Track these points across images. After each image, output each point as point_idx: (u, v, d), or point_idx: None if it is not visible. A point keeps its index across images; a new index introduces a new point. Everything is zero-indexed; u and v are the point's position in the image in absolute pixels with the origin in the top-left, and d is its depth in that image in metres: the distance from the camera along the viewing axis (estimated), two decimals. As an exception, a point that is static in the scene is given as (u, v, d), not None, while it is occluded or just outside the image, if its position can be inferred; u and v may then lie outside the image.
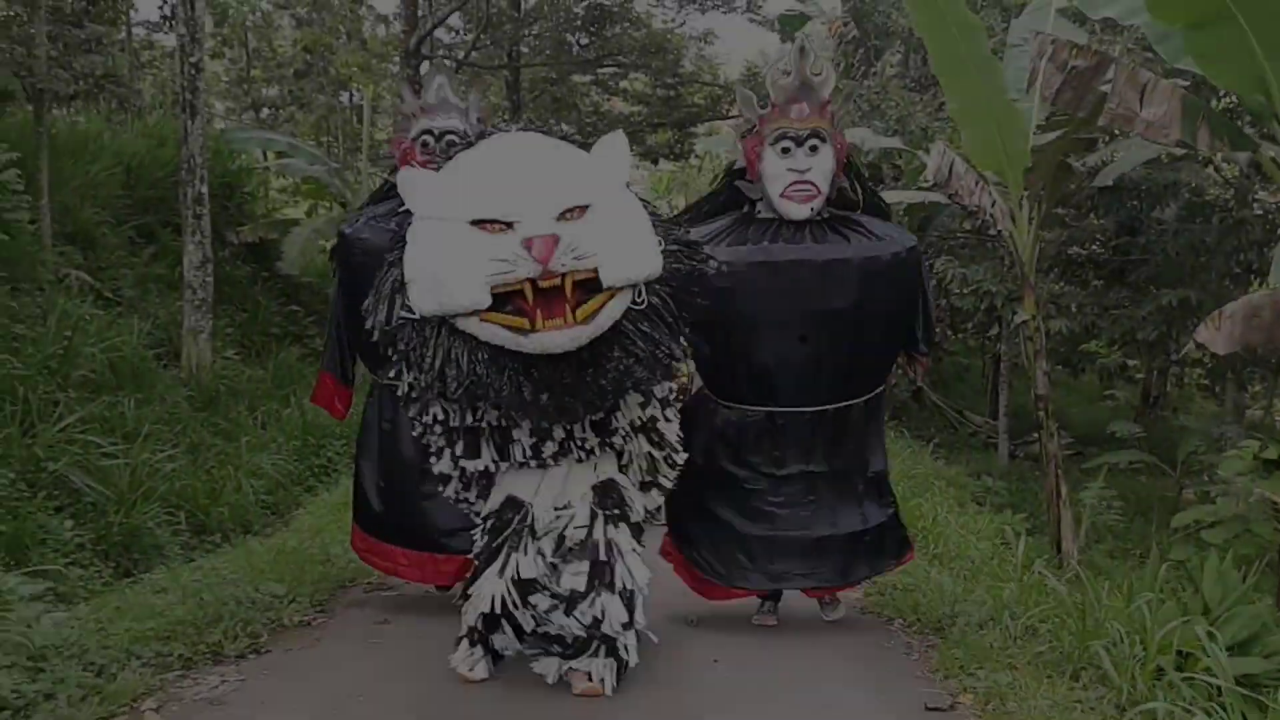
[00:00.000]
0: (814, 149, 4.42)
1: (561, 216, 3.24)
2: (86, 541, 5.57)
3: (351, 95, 20.36)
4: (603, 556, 3.67)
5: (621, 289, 3.31)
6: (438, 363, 3.34)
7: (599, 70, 17.19)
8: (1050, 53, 4.55)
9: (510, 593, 3.65)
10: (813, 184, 4.42)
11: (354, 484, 5.19)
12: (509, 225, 3.20)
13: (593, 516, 3.72)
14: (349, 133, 18.81)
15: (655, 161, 18.85)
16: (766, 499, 4.56)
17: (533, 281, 3.16)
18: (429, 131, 4.84)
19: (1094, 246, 11.16)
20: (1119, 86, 4.44)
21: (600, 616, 3.64)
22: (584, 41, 16.37)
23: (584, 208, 3.29)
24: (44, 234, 8.05)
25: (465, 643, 3.85)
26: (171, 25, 15.50)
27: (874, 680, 3.92)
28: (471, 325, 3.27)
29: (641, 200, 3.73)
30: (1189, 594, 4.06)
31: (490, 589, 3.68)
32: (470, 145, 3.72)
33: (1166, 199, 9.59)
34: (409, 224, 3.54)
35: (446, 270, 3.26)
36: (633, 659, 3.74)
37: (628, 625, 3.70)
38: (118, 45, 12.00)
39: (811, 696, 3.77)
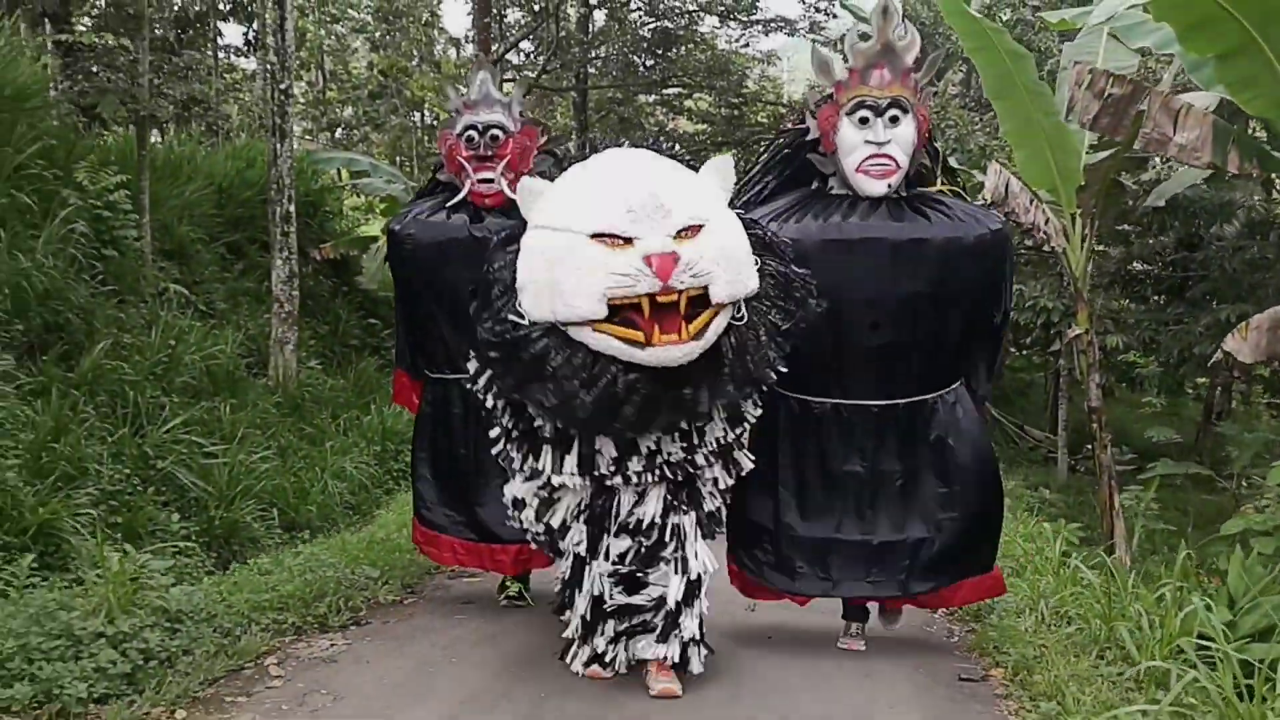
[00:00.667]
0: (894, 120, 4.17)
1: (678, 235, 3.39)
2: (192, 533, 6.15)
3: (423, 116, 21.24)
4: (667, 538, 3.84)
5: (728, 304, 3.50)
6: (545, 368, 3.51)
7: (664, 90, 17.72)
8: (1088, 81, 4.90)
9: (604, 581, 3.86)
10: (891, 158, 4.18)
11: (412, 479, 5.43)
12: (629, 241, 3.36)
13: (665, 507, 3.86)
14: (421, 152, 19.51)
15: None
16: (827, 498, 4.34)
17: (651, 297, 3.34)
18: (474, 126, 4.95)
19: (1154, 264, 11.37)
20: (1153, 112, 4.79)
21: (666, 596, 3.82)
22: (650, 63, 16.93)
23: (699, 227, 3.44)
24: (145, 250, 8.71)
25: (576, 642, 4.04)
26: (254, 50, 16.44)
27: (914, 656, 4.32)
28: (584, 334, 3.44)
29: (740, 217, 3.84)
30: (1212, 585, 4.38)
31: (590, 580, 3.89)
32: (581, 160, 3.92)
33: (1225, 217, 9.79)
34: (517, 230, 3.72)
35: (565, 279, 3.42)
36: (695, 634, 3.88)
37: (689, 605, 3.86)
38: (204, 70, 12.75)
39: (855, 666, 4.19)
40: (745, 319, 3.58)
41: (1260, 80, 4.58)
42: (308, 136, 21.78)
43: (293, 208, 9.77)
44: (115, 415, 6.68)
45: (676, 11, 17.07)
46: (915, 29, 4.28)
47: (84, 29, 9.90)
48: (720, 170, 3.77)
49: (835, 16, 16.86)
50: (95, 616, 3.64)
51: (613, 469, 3.80)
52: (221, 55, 17.04)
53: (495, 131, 4.91)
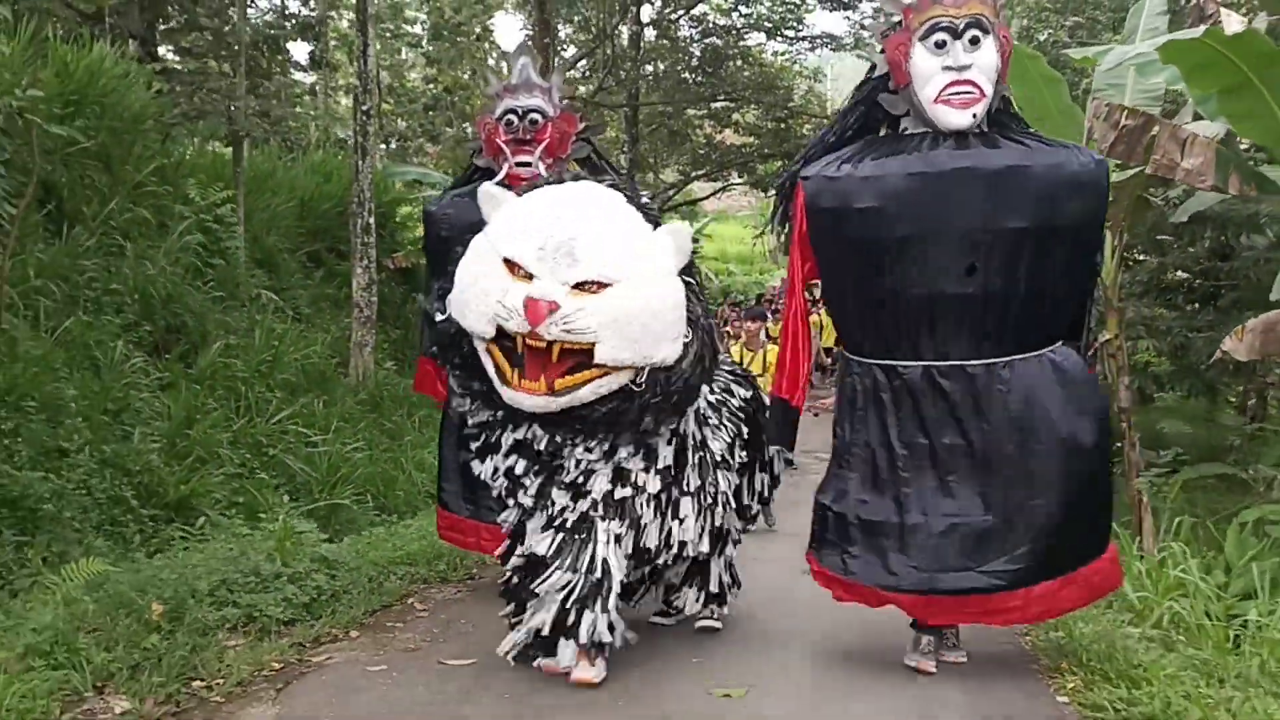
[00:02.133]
0: (974, 41, 3.75)
1: (579, 286, 3.40)
2: (300, 514, 7.06)
3: (470, 127, 22.06)
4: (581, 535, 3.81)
5: (615, 369, 3.47)
6: (458, 365, 3.74)
7: (712, 104, 18.58)
8: (1105, 114, 5.67)
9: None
10: (974, 84, 3.77)
11: (438, 468, 5.52)
12: (529, 276, 3.43)
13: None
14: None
15: (765, 190, 20.16)
16: (930, 478, 3.88)
17: (523, 338, 3.41)
18: (513, 111, 4.94)
19: (1190, 272, 11.97)
20: (1162, 141, 5.54)
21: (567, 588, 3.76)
22: (699, 79, 17.80)
23: (605, 284, 3.43)
24: (240, 259, 9.68)
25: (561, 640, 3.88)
26: (320, 67, 17.52)
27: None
28: (480, 347, 3.59)
29: (694, 286, 3.80)
30: (1211, 555, 5.14)
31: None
32: (554, 183, 3.94)
33: (1254, 228, 10.42)
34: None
35: (469, 291, 3.55)
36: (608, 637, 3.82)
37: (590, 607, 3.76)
38: (286, 90, 13.77)
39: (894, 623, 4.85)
40: (644, 389, 3.53)
41: (1256, 113, 5.30)
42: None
43: (372, 220, 10.68)
44: (231, 407, 7.61)
45: (724, 29, 17.95)
46: None
47: (173, 55, 10.91)
48: (677, 238, 3.74)
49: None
50: (272, 561, 4.53)
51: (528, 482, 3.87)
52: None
53: (535, 116, 4.91)
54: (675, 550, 4.05)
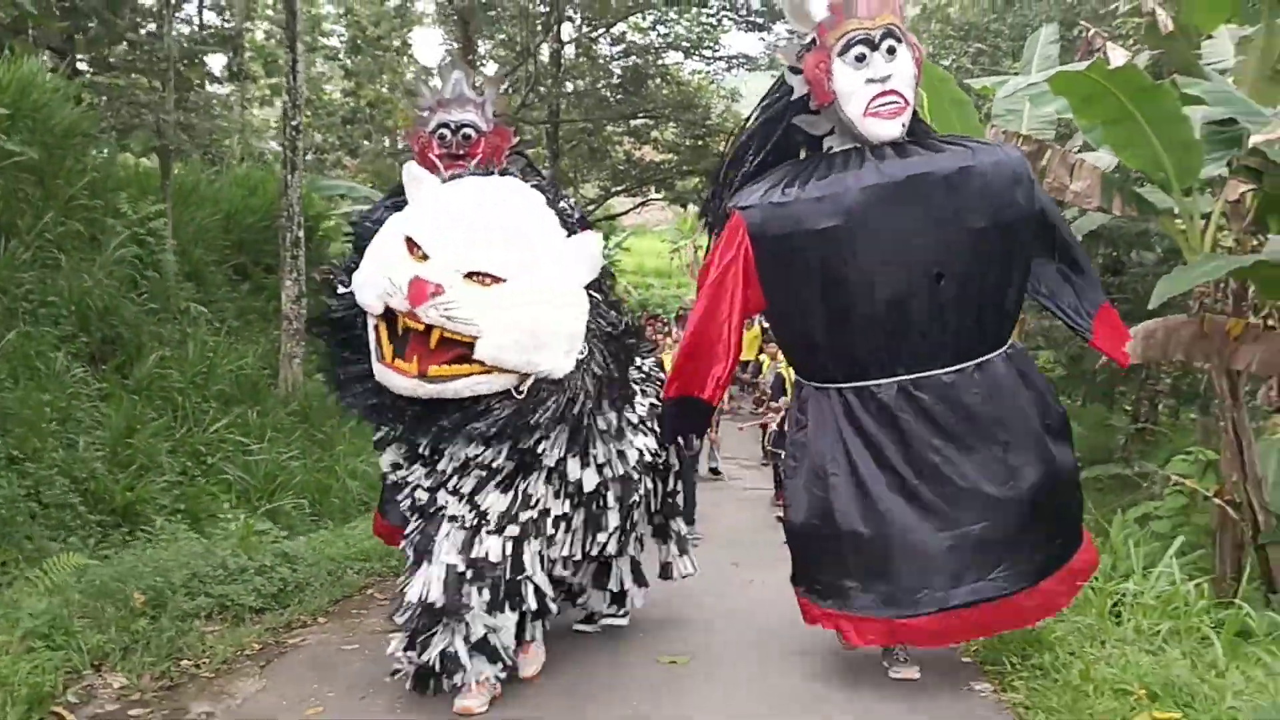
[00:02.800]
0: (891, 51, 3.77)
1: (471, 276, 3.32)
2: (241, 518, 7.31)
3: (396, 142, 22.37)
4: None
5: (496, 369, 3.39)
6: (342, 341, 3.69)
7: (632, 121, 19.10)
8: (1002, 140, 6.26)
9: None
10: (898, 94, 3.79)
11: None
12: (425, 257, 3.35)
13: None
14: (394, 176, 20.64)
15: (685, 205, 20.74)
16: (920, 493, 3.79)
17: (403, 317, 3.33)
18: (446, 125, 4.97)
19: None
20: (1053, 166, 6.14)
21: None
22: (619, 98, 18.31)
23: (498, 279, 3.35)
24: (171, 272, 9.84)
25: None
26: (236, 79, 17.57)
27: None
28: (370, 323, 3.51)
29: (601, 301, 3.76)
30: (1100, 542, 5.73)
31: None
32: (484, 175, 3.93)
33: (1144, 245, 11.28)
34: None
35: (369, 264, 3.51)
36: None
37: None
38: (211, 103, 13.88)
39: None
40: (525, 396, 3.46)
41: (1135, 142, 5.91)
42: (278, 160, 22.79)
43: (302, 233, 10.91)
44: (169, 417, 7.82)
45: (643, 48, 18.50)
46: None
47: (89, 67, 11.01)
48: (587, 247, 3.67)
49: (794, 53, 18.31)
50: (237, 556, 4.84)
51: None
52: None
53: (468, 130, 4.95)
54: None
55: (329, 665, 4.09)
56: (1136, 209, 6.18)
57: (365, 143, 21.10)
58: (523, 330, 3.37)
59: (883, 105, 3.78)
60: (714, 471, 10.72)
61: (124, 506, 6.43)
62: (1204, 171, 6.08)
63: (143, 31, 10.99)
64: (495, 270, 3.34)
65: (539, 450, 3.64)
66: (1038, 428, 3.91)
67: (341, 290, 3.73)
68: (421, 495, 3.78)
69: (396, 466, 4.03)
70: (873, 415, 3.85)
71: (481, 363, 3.33)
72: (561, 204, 3.91)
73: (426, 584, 3.61)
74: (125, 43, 10.36)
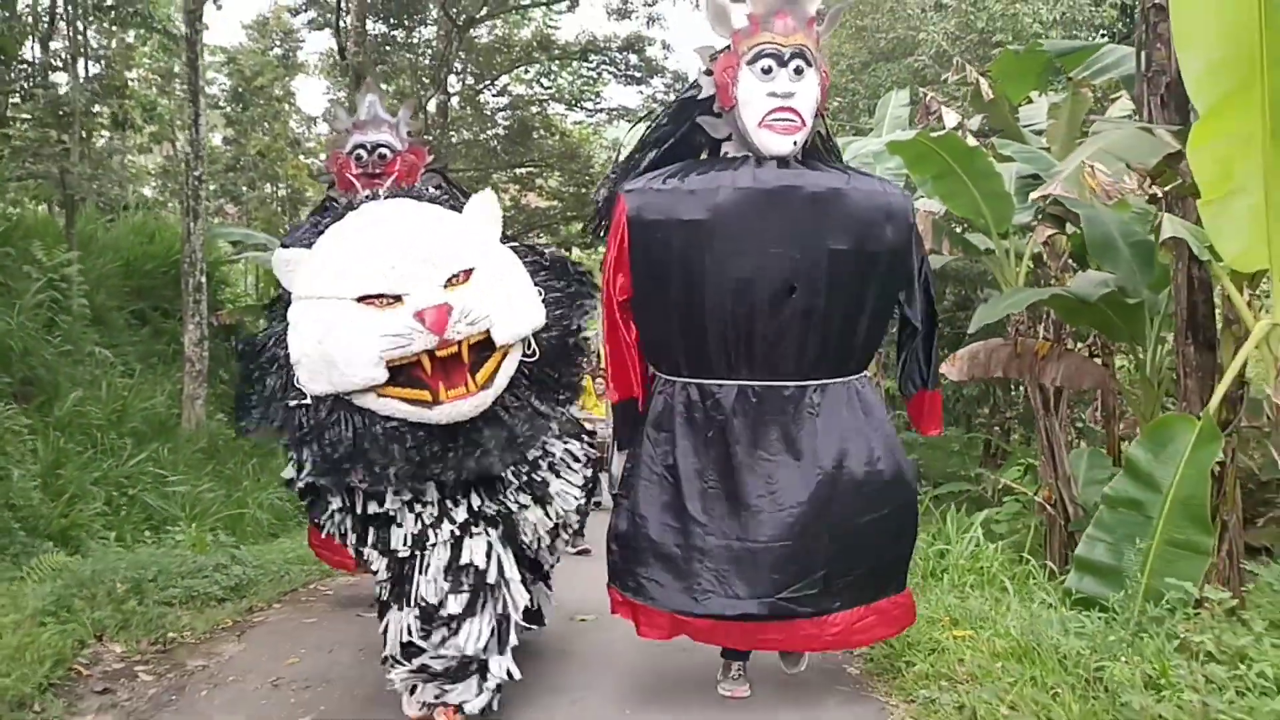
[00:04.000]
0: (799, 71, 3.83)
1: (449, 284, 3.29)
2: (192, 528, 7.95)
3: (278, 189, 22.95)
4: (490, 580, 3.70)
5: (513, 345, 3.42)
6: (335, 440, 3.34)
7: (517, 170, 20.15)
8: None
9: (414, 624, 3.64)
10: (796, 112, 3.82)
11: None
12: (398, 299, 3.23)
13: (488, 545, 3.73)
14: (282, 223, 21.18)
15: (570, 249, 21.80)
16: (731, 498, 3.86)
17: (430, 352, 3.22)
18: (362, 146, 5.17)
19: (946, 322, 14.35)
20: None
21: (476, 640, 3.64)
22: (505, 148, 19.35)
23: (468, 271, 3.34)
24: (85, 316, 10.40)
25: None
26: (121, 127, 17.97)
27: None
28: (369, 401, 3.30)
29: (517, 246, 3.77)
30: (935, 530, 6.87)
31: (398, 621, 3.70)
32: (340, 217, 3.70)
33: (987, 284, 12.75)
34: (287, 306, 3.51)
35: (337, 349, 3.24)
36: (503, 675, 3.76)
37: (500, 649, 3.74)
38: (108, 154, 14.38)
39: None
40: (536, 353, 3.52)
41: (959, 194, 7.12)
42: (158, 206, 23.14)
43: (204, 279, 11.57)
44: (92, 451, 8.44)
45: (527, 100, 19.62)
46: None
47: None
48: (485, 206, 3.66)
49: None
50: (194, 558, 5.60)
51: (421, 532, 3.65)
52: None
53: (383, 150, 5.15)
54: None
55: (295, 633, 4.91)
56: (963, 250, 7.39)
57: (248, 190, 21.59)
58: (511, 298, 3.43)
59: (777, 120, 3.82)
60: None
61: (60, 531, 7.04)
62: (1016, 218, 7.32)
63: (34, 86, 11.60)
64: (460, 267, 3.34)
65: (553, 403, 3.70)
66: (866, 463, 3.90)
67: (298, 399, 3.38)
68: (407, 532, 3.64)
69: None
70: (708, 413, 3.92)
71: (505, 345, 3.38)
72: (429, 190, 3.98)
73: (401, 628, 3.63)
74: (20, 95, 10.91)
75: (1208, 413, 4.72)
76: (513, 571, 3.79)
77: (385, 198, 3.81)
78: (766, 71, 3.82)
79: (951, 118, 8.32)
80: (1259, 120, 4.03)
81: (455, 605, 3.61)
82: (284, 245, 5.03)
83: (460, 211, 3.69)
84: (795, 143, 3.85)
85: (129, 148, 22.01)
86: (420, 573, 3.64)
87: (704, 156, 4.14)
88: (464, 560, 3.65)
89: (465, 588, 3.64)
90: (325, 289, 3.34)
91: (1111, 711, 3.29)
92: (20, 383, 8.62)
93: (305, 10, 19.11)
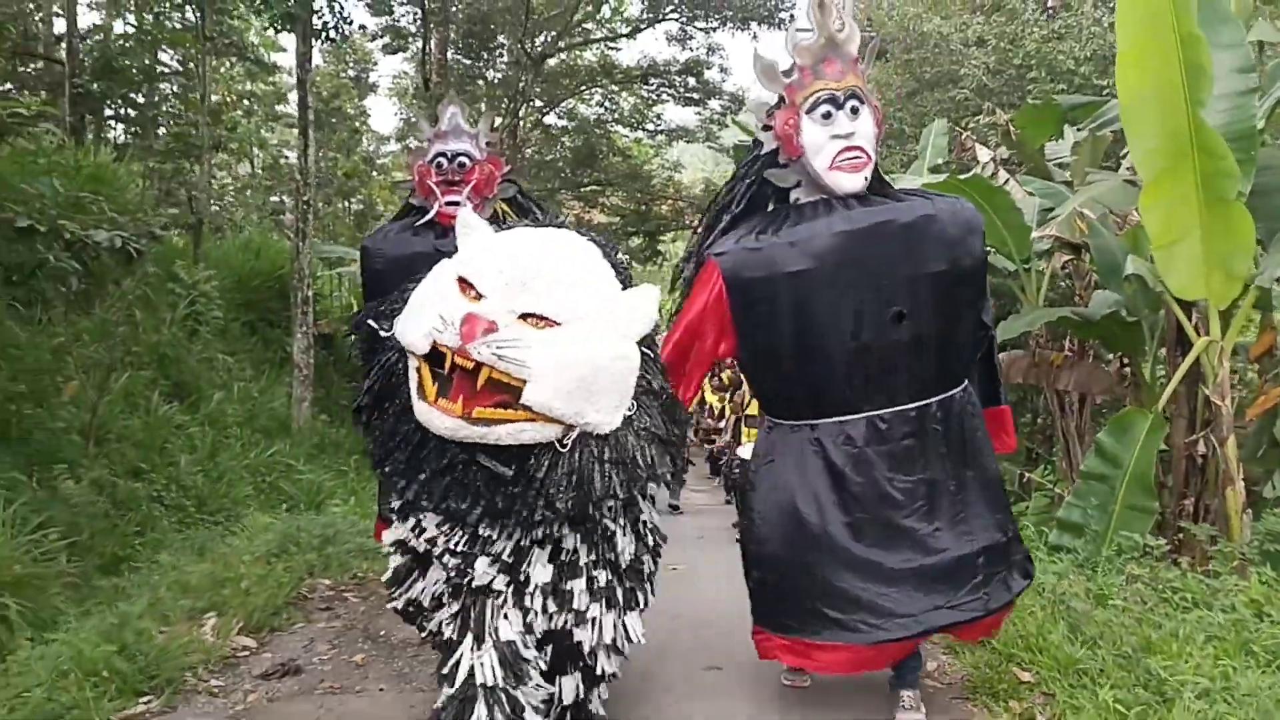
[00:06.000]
0: (855, 110, 4.05)
1: (525, 317, 3.20)
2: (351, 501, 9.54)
3: (350, 205, 24.68)
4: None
5: (542, 417, 3.20)
6: (376, 385, 3.46)
7: (581, 188, 21.81)
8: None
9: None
10: (861, 149, 4.05)
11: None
12: (478, 296, 3.24)
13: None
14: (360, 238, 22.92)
15: (630, 263, 23.40)
16: (884, 524, 4.03)
17: (453, 355, 3.17)
18: (443, 154, 5.36)
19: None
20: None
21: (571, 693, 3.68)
22: (573, 169, 21.02)
23: (552, 322, 3.23)
24: (220, 327, 12.10)
25: None
26: (216, 150, 19.85)
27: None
28: (411, 365, 3.34)
29: (654, 359, 3.59)
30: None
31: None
32: (538, 225, 3.88)
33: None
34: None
35: (417, 304, 3.37)
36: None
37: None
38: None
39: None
40: (567, 449, 3.27)
41: (986, 225, 8.59)
42: (245, 220, 24.93)
43: (311, 293, 13.22)
44: (234, 444, 10.10)
45: (594, 122, 21.28)
46: (851, 19, 4.22)
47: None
48: (642, 300, 3.53)
49: (726, 126, 21.24)
50: (359, 523, 7.16)
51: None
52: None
53: (462, 159, 5.33)
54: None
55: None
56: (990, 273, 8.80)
57: (323, 205, 23.24)
58: (574, 377, 3.20)
59: (846, 160, 4.04)
60: (674, 509, 12.07)
61: (222, 508, 8.67)
62: (1036, 246, 8.74)
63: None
64: (549, 313, 3.24)
65: (597, 516, 3.52)
66: (991, 465, 4.20)
67: (384, 331, 3.53)
68: (451, 562, 3.47)
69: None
70: (842, 450, 4.07)
71: (529, 408, 3.16)
72: (618, 256, 3.92)
73: (483, 664, 3.44)
74: (164, 131, 12.67)
75: (1157, 408, 6.15)
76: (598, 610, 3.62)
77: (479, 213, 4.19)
78: (826, 116, 4.04)
79: (984, 153, 9.76)
80: (1193, 188, 5.46)
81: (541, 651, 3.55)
82: (369, 246, 5.67)
83: (622, 265, 3.81)
84: (865, 178, 4.09)
85: (215, 166, 23.92)
86: (499, 609, 3.49)
87: (770, 208, 4.35)
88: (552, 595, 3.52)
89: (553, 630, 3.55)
90: (458, 258, 3.51)
91: (1063, 615, 4.74)
92: (173, 385, 10.31)
93: (381, 36, 20.80)
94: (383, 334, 3.53)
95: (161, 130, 12.91)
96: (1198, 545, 5.65)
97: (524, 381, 3.14)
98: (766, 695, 4.63)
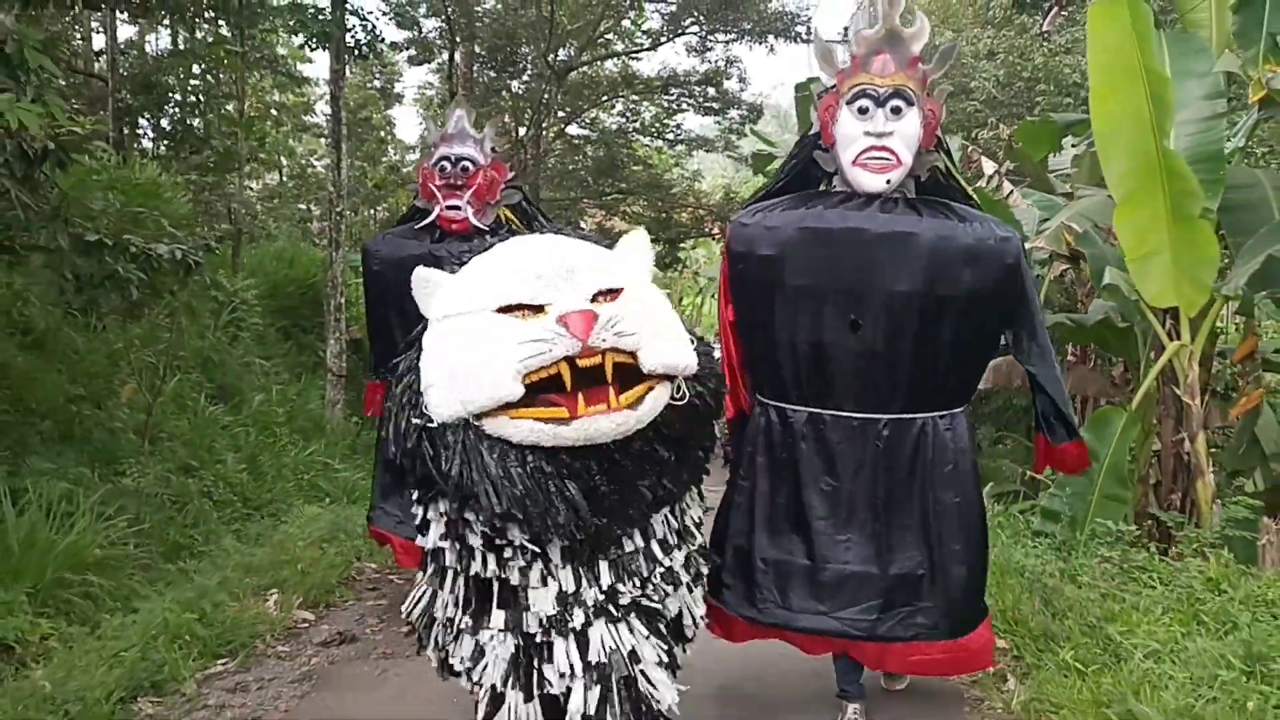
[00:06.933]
0: (896, 111, 3.93)
1: (595, 298, 3.08)
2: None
3: (376, 212, 25.38)
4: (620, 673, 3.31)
5: (661, 379, 3.11)
6: (460, 472, 3.02)
7: (604, 196, 22.53)
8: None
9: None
10: (891, 151, 3.94)
11: (372, 483, 6.21)
12: (540, 309, 3.03)
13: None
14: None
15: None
16: (795, 518, 4.16)
17: (571, 363, 2.95)
18: (446, 158, 5.42)
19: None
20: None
21: None
22: (595, 178, 21.73)
23: (617, 291, 3.14)
24: (259, 332, 12.81)
25: None
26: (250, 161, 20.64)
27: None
28: (501, 425, 3.00)
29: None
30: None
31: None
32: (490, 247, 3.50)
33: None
34: (424, 330, 3.31)
35: (470, 361, 3.03)
36: None
37: None
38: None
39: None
40: (686, 399, 3.18)
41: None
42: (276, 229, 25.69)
43: (344, 300, 13.92)
44: (275, 444, 10.79)
45: (615, 132, 22.01)
46: (925, 17, 4.10)
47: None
48: (637, 246, 3.48)
49: (744, 135, 21.89)
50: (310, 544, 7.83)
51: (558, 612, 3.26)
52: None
53: (466, 163, 5.38)
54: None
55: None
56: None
57: (351, 214, 23.83)
58: (663, 325, 3.20)
59: (871, 159, 3.96)
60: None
61: (266, 503, 9.35)
62: (1034, 255, 9.32)
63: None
64: (610, 284, 3.14)
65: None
66: (951, 502, 4.10)
67: (420, 422, 3.11)
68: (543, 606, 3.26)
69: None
70: (780, 436, 4.20)
71: (651, 374, 3.07)
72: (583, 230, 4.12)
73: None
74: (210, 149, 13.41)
75: (1129, 406, 6.75)
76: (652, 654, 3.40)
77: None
78: (863, 111, 3.96)
79: (989, 166, 10.35)
80: (1162, 207, 6.06)
81: (589, 702, 3.27)
82: (369, 247, 5.77)
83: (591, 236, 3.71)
84: (889, 181, 3.98)
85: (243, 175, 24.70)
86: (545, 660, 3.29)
87: (820, 188, 4.30)
88: (593, 650, 3.28)
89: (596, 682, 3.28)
90: (465, 303, 3.18)
91: (1039, 592, 5.35)
92: (217, 388, 11.01)
93: (407, 49, 21.51)
94: (427, 424, 3.10)
95: (195, 143, 13.58)
96: (1186, 537, 6.28)
97: (634, 355, 3.03)
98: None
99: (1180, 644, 4.62)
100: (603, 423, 2.97)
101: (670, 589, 3.47)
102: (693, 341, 3.36)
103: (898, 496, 4.08)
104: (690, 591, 3.64)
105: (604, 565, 3.29)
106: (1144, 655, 4.52)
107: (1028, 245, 8.44)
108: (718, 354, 3.91)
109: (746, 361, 4.41)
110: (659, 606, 3.44)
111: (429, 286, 3.29)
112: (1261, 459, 7.95)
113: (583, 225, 22.70)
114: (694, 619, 3.73)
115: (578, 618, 3.26)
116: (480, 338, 3.04)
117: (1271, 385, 9.75)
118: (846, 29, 5.11)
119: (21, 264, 9.66)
